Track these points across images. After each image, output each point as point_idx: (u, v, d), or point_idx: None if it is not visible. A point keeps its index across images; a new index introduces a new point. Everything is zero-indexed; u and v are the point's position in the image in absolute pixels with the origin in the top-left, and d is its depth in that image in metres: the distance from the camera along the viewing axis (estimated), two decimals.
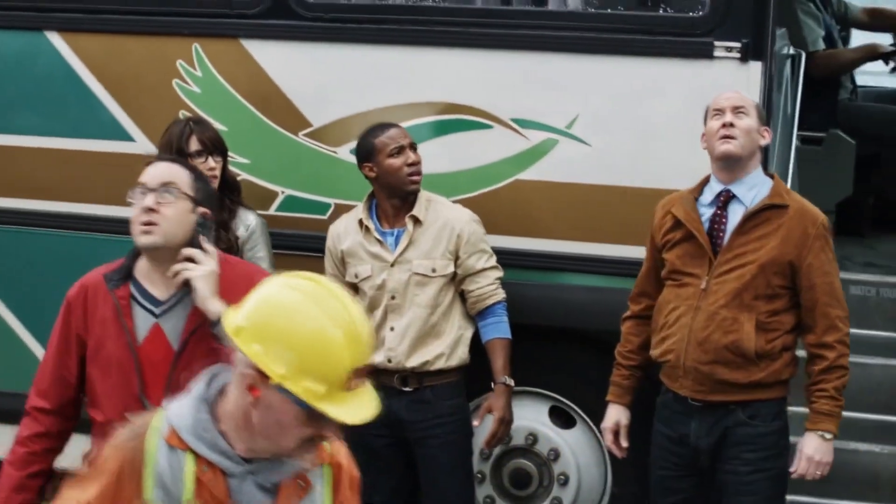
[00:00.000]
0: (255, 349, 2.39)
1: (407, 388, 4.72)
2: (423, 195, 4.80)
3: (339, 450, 2.66)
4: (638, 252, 4.86)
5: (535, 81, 5.02)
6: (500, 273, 4.80)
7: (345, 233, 4.83)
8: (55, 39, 5.38)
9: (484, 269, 4.76)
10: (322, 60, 5.18)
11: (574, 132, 4.98)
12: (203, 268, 3.51)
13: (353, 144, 5.02)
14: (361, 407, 2.41)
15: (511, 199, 5.03)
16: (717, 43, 4.82)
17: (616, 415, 4.61)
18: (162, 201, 3.50)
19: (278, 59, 5.20)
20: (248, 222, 4.80)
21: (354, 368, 2.41)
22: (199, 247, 3.54)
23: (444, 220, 4.76)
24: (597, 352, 5.00)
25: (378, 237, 4.77)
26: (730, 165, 4.32)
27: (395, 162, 4.73)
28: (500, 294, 4.78)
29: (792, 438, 4.41)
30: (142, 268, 3.59)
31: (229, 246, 4.75)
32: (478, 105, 5.04)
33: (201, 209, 3.57)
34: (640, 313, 4.57)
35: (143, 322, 3.54)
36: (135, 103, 5.35)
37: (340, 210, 5.18)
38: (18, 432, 3.65)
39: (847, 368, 4.26)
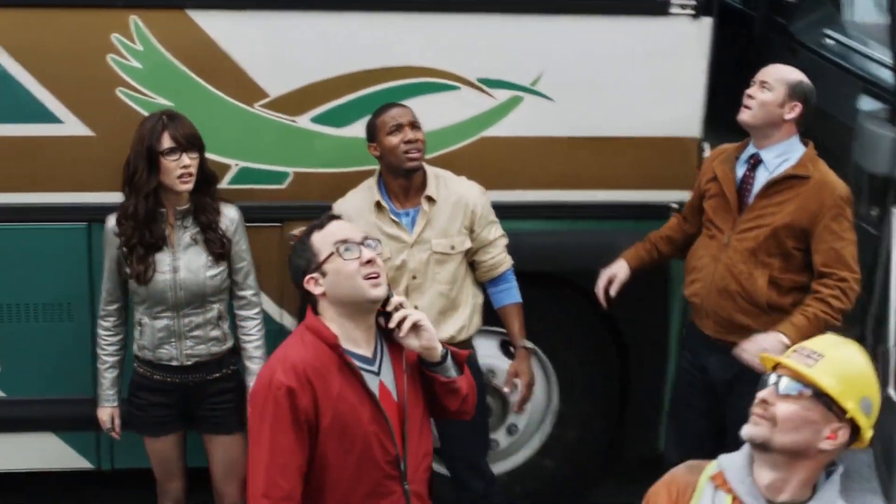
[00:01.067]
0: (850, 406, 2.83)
1: None
2: (431, 172, 4.81)
3: None
4: (599, 196, 5.24)
5: (500, 42, 5.05)
6: (506, 240, 4.93)
7: (356, 214, 4.75)
8: None
9: (496, 239, 4.89)
10: (280, 28, 4.91)
11: (539, 89, 5.10)
12: (417, 311, 3.50)
13: (315, 112, 4.93)
14: None
15: (480, 154, 5.11)
16: (673, 0, 5.06)
17: (618, 267, 5.04)
18: (375, 253, 3.46)
19: (231, 30, 4.87)
20: (230, 216, 4.68)
21: None
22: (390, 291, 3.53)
23: (456, 196, 4.80)
24: (543, 287, 5.32)
25: (394, 218, 4.76)
26: (751, 132, 4.70)
27: (393, 140, 4.69)
28: (510, 261, 4.94)
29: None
30: (341, 332, 3.46)
31: (223, 248, 4.61)
32: (445, 67, 5.03)
33: None
34: (681, 223, 5.04)
35: (372, 384, 3.48)
36: (62, 83, 4.84)
37: (299, 178, 5.10)
38: None
39: (837, 312, 4.67)
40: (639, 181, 5.28)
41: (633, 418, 5.69)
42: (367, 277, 3.42)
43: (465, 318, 4.85)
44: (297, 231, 4.63)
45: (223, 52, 4.87)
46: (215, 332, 4.69)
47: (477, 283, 4.95)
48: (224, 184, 4.95)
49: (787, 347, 4.51)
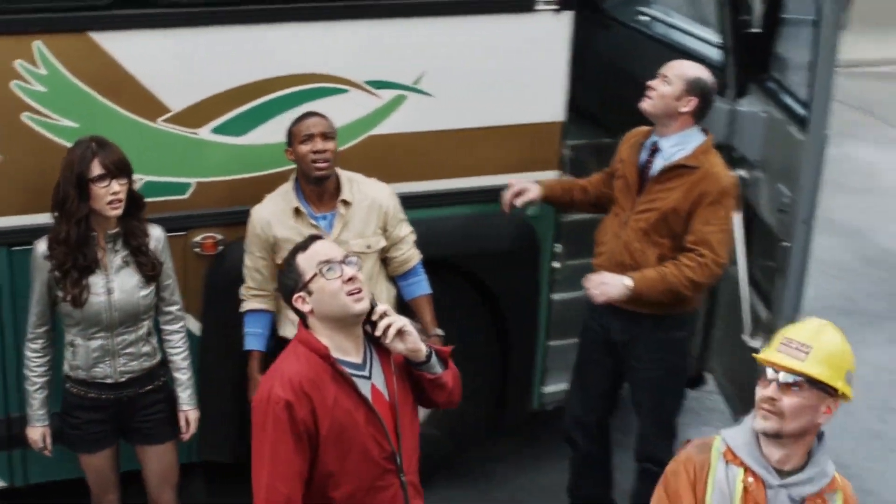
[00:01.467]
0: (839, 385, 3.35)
1: None
2: (345, 176, 5.08)
3: (847, 483, 3.51)
4: (476, 182, 5.67)
5: (384, 45, 5.35)
6: (415, 236, 5.26)
7: (275, 219, 5.01)
8: None
9: (405, 236, 5.22)
10: (180, 45, 5.05)
11: (420, 87, 5.44)
12: (400, 317, 3.77)
13: (215, 123, 5.16)
14: None
15: (368, 151, 5.40)
16: None
17: (531, 185, 5.51)
18: (354, 271, 3.71)
19: (133, 49, 4.98)
20: (156, 235, 4.86)
21: None
22: (374, 301, 3.79)
23: (370, 199, 5.10)
24: (428, 271, 5.58)
25: (313, 222, 5.02)
26: (652, 120, 5.19)
27: (304, 148, 4.96)
28: (419, 255, 5.27)
29: None
30: (331, 343, 3.73)
31: (154, 270, 4.77)
32: (334, 72, 5.29)
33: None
34: (599, 183, 5.52)
35: (364, 389, 3.76)
36: None
37: (201, 188, 5.27)
38: None
39: (688, 281, 5.11)
40: (512, 166, 5.69)
41: (513, 381, 6.14)
42: (350, 294, 3.69)
43: None
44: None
45: (126, 71, 4.99)
46: (146, 348, 4.86)
47: (389, 279, 5.27)
48: None
49: (629, 289, 5.11)
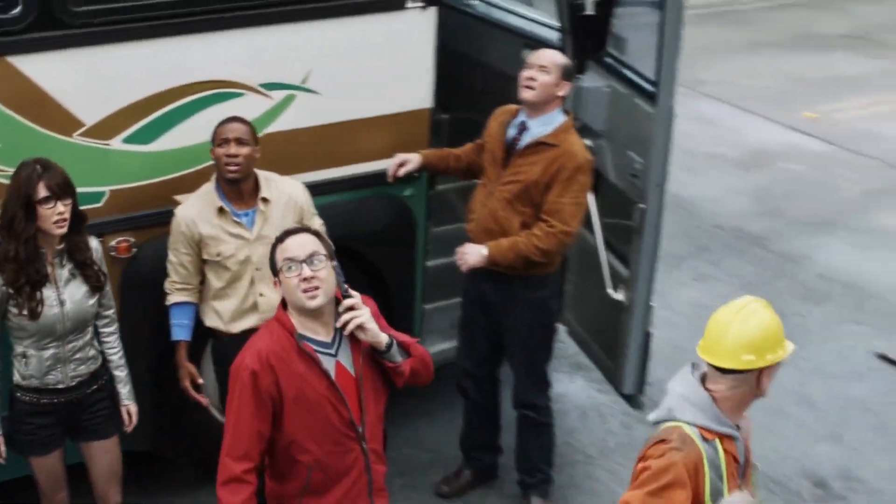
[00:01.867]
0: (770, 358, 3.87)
1: None
2: (262, 176, 5.50)
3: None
4: (359, 169, 6.14)
5: (274, 50, 5.75)
6: (324, 228, 5.68)
7: (200, 218, 5.40)
8: None
9: (317, 229, 5.63)
10: (93, 63, 5.33)
11: (307, 86, 5.87)
12: (363, 311, 4.24)
13: (126, 133, 5.50)
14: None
15: (265, 149, 5.73)
16: None
17: (412, 156, 6.12)
18: (315, 269, 4.18)
19: (49, 69, 5.24)
20: (94, 246, 5.19)
21: None
22: (347, 292, 4.25)
23: (286, 196, 5.53)
24: None
25: (236, 220, 5.42)
26: (528, 107, 5.78)
27: (219, 151, 5.38)
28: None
29: None
30: (299, 322, 4.24)
31: (100, 281, 5.09)
32: (231, 78, 5.67)
33: (334, 262, 4.28)
34: (470, 151, 6.13)
35: (328, 363, 4.26)
36: None
37: (115, 196, 5.58)
38: (228, 499, 4.21)
39: (537, 249, 5.75)
40: (388, 151, 6.18)
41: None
42: (305, 291, 4.18)
43: None
44: None
45: (43, 91, 5.24)
46: (92, 352, 5.18)
47: None
48: None
49: (484, 258, 5.79)
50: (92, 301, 5.07)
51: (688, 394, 3.98)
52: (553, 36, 6.83)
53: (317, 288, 4.18)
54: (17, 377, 5.11)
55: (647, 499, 3.83)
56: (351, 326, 4.22)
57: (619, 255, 6.45)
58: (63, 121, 5.34)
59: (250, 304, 5.51)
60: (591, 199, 6.21)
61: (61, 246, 4.98)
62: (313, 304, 4.18)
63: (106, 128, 5.44)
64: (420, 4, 6.01)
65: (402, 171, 6.10)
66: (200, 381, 5.71)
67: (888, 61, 14.80)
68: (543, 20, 7.12)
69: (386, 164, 6.16)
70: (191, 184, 5.65)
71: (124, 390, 5.33)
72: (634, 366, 6.45)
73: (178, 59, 5.53)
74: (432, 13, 6.08)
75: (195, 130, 5.60)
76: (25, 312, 4.91)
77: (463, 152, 6.19)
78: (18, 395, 5.13)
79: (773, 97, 13.21)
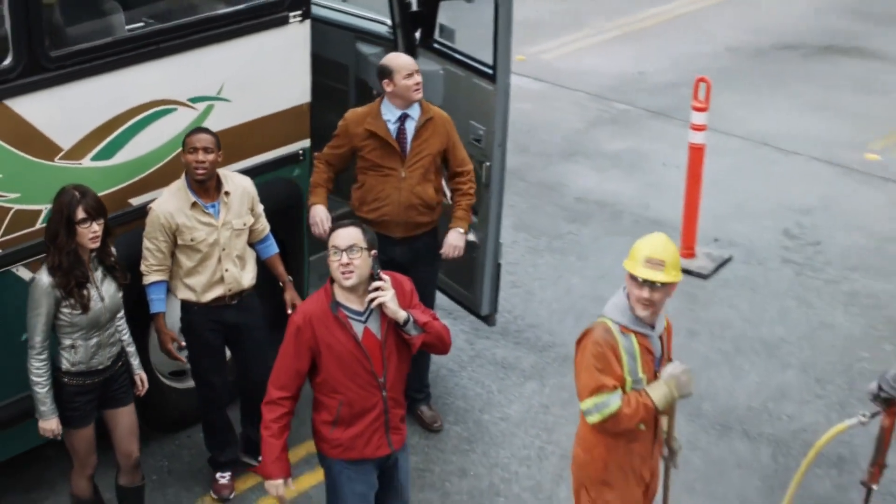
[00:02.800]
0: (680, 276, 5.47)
1: (234, 302, 6.87)
2: (222, 173, 6.74)
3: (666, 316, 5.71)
4: (259, 159, 7.44)
5: (194, 68, 6.96)
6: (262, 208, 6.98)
7: (177, 211, 6.61)
8: None
9: (261, 213, 6.94)
10: (67, 97, 6.41)
11: (222, 95, 7.09)
12: (387, 293, 5.57)
13: (93, 152, 6.58)
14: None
15: None
16: (290, 14, 7.26)
17: (323, 212, 7.31)
18: (352, 256, 5.50)
19: (35, 107, 6.27)
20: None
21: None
22: (378, 276, 5.56)
23: (241, 188, 6.79)
24: None
25: (206, 210, 6.65)
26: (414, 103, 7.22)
27: (189, 157, 6.61)
28: (268, 225, 7.02)
29: None
30: (340, 295, 5.56)
31: (126, 278, 6.26)
32: (167, 96, 6.84)
33: (373, 251, 5.58)
34: (329, 169, 7.39)
35: (357, 328, 5.59)
36: None
37: None
38: (265, 416, 5.62)
39: (474, 195, 7.39)
40: (281, 140, 7.50)
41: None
42: (342, 273, 5.49)
43: (252, 269, 6.96)
44: None
45: (32, 125, 6.27)
46: (116, 335, 6.33)
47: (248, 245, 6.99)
48: (38, 224, 6.39)
49: (463, 235, 7.28)
50: (120, 294, 6.20)
51: (616, 301, 5.63)
52: (384, 30, 8.31)
53: (351, 272, 5.47)
54: (65, 365, 6.16)
55: (590, 370, 5.43)
56: (374, 305, 5.54)
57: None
58: (47, 148, 6.39)
59: (217, 278, 6.77)
60: None
61: (93, 253, 6.07)
62: (348, 283, 5.50)
63: (78, 150, 6.52)
64: (298, 19, 7.32)
65: (327, 227, 7.20)
66: (183, 342, 6.93)
67: (566, 4, 16.79)
68: (377, 17, 8.56)
69: (281, 153, 7.50)
70: (143, 187, 6.84)
71: (135, 362, 6.50)
72: (489, 291, 8.07)
73: (128, 86, 6.66)
74: (307, 24, 7.40)
75: (143, 144, 6.79)
76: (78, 310, 5.99)
77: (327, 174, 7.40)
78: (66, 380, 6.18)
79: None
